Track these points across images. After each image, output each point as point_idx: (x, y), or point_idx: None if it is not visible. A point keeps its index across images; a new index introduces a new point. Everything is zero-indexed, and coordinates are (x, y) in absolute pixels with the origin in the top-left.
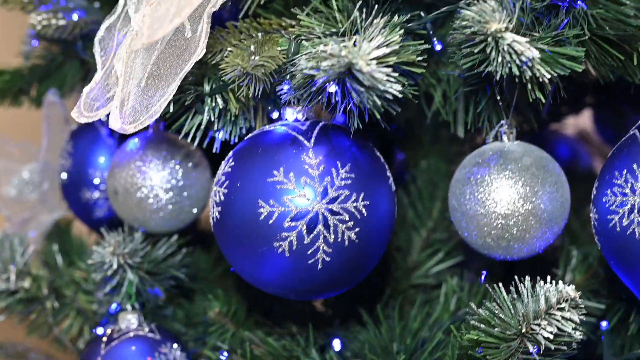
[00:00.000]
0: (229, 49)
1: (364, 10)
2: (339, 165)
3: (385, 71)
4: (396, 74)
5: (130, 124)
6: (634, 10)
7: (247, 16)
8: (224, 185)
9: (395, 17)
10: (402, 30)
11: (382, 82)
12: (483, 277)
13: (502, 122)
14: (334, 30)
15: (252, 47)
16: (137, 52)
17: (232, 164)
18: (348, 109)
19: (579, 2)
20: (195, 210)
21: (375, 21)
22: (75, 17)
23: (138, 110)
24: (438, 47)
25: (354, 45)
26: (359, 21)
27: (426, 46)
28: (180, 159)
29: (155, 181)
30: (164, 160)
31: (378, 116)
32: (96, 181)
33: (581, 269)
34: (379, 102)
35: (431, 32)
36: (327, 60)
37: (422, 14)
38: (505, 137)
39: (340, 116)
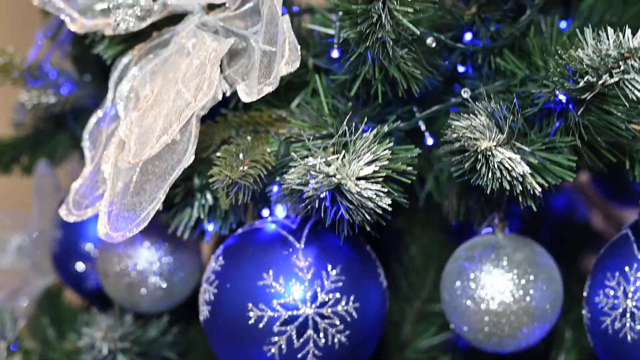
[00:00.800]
0: (217, 154)
1: (353, 123)
2: (329, 267)
3: (375, 188)
4: (386, 189)
5: (117, 231)
6: (625, 122)
7: (237, 107)
8: (214, 285)
9: (385, 127)
10: (391, 144)
11: (372, 199)
12: None
13: (494, 214)
14: (324, 132)
15: (241, 155)
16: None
17: (222, 262)
18: (338, 216)
19: (570, 106)
20: (186, 292)
21: (364, 135)
22: (65, 90)
23: (126, 216)
24: (430, 142)
25: (343, 158)
26: (347, 134)
27: (417, 151)
28: (170, 243)
29: (145, 265)
30: (154, 244)
31: (368, 228)
32: (87, 253)
33: (575, 351)
34: (368, 217)
35: (423, 128)
36: (315, 177)
37: (415, 108)
38: (497, 231)
39: None
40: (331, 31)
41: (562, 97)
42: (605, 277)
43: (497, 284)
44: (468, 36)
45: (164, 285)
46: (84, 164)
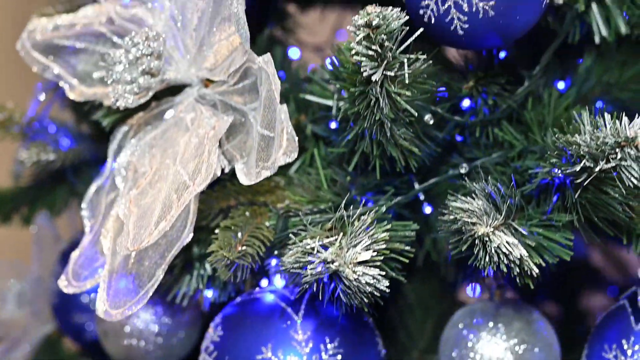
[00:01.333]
0: (216, 231)
1: (351, 196)
2: (327, 340)
3: (372, 273)
4: (384, 272)
5: (116, 308)
6: (622, 204)
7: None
8: (212, 356)
9: (383, 207)
10: (389, 225)
11: (370, 284)
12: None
13: (492, 280)
14: (321, 207)
15: (239, 234)
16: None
17: (221, 333)
18: (336, 294)
19: (567, 181)
20: (185, 351)
21: (362, 217)
22: (65, 143)
23: (125, 293)
24: (428, 210)
25: (341, 240)
26: (345, 214)
27: (416, 227)
28: (168, 303)
29: (144, 326)
30: (153, 304)
31: (366, 309)
32: (87, 305)
33: None
34: (366, 300)
35: (422, 198)
36: (313, 263)
37: (413, 177)
38: (495, 297)
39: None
40: (329, 102)
41: (560, 174)
42: (602, 349)
43: (494, 352)
44: (466, 102)
45: (164, 344)
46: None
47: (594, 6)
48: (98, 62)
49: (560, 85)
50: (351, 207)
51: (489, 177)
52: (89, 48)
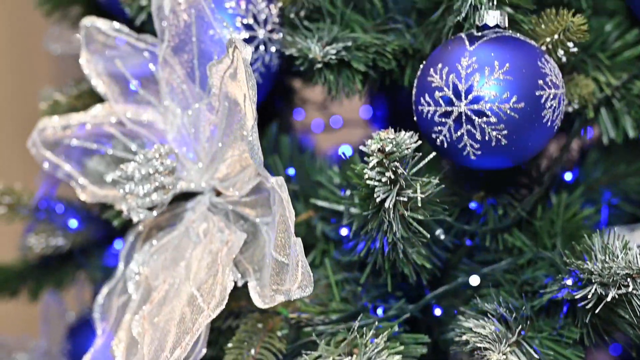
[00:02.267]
0: (229, 345)
1: (364, 328)
2: None
3: None
4: None
5: None
6: (634, 327)
7: None
8: None
9: (395, 326)
10: (402, 347)
11: None
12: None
13: None
14: (333, 317)
15: (252, 351)
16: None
17: None
18: None
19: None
20: None
21: (374, 341)
22: (73, 224)
23: None
24: (438, 312)
25: None
26: (358, 337)
27: (427, 340)
28: None
29: None
30: None
31: None
32: None
33: None
34: None
35: (432, 301)
36: None
37: (422, 281)
38: None
39: None
40: (340, 207)
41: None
42: None
43: None
44: (474, 204)
45: None
46: (90, 287)
47: (602, 111)
48: (109, 164)
49: (568, 176)
50: (363, 319)
51: (500, 292)
52: (100, 149)
